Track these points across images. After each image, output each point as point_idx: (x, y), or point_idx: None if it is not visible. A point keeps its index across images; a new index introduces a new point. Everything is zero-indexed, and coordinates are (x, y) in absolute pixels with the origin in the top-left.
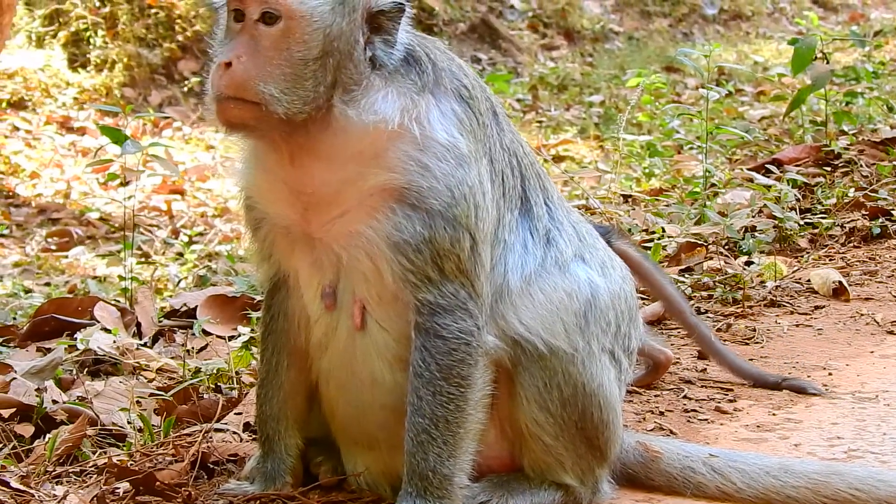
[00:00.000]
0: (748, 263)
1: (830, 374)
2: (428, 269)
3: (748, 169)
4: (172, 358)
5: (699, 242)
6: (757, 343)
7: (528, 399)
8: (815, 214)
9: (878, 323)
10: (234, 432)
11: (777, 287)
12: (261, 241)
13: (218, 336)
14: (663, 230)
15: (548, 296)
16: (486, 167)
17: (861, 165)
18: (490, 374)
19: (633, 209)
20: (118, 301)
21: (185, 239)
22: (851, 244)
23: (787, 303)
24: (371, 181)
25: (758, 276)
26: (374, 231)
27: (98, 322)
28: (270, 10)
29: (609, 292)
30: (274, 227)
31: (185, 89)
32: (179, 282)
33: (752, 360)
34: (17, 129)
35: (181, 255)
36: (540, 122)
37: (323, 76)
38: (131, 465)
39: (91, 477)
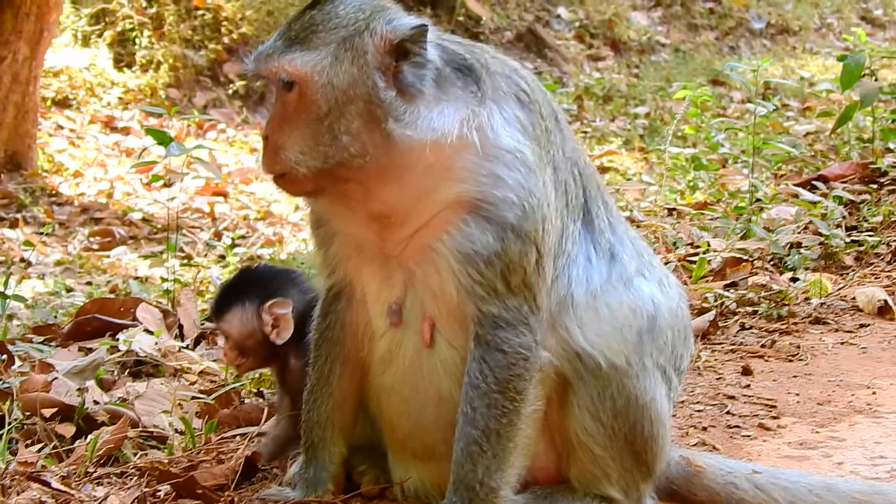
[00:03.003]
0: (793, 280)
1: (874, 392)
2: (496, 282)
3: (794, 184)
4: (214, 361)
5: (744, 258)
6: (801, 360)
7: (580, 407)
8: (861, 232)
9: None
10: None
11: (822, 304)
12: (330, 256)
13: None
14: (708, 244)
15: (613, 311)
16: (550, 176)
17: None
18: (541, 389)
19: (678, 222)
20: (160, 302)
21: (228, 241)
22: None
23: (832, 320)
24: (443, 193)
25: (803, 293)
26: (443, 244)
27: (140, 323)
28: (283, 78)
29: (669, 310)
30: (345, 244)
31: (230, 92)
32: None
33: (795, 377)
34: (61, 127)
35: (223, 257)
36: (585, 132)
37: (345, 124)
38: (172, 468)
39: (132, 479)
